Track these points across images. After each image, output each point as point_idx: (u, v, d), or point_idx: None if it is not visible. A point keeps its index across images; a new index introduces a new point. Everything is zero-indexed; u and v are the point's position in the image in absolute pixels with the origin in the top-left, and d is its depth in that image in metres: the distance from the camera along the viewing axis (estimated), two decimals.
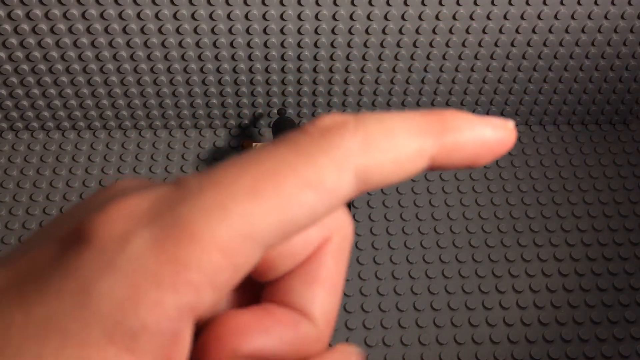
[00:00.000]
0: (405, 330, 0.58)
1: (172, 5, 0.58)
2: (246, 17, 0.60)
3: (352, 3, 0.59)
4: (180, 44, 0.62)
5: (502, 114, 0.72)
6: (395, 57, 0.65)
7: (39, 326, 0.10)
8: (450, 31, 0.62)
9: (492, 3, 0.60)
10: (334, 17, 0.60)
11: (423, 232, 0.64)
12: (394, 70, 0.66)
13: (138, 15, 0.59)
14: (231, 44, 0.62)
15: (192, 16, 0.59)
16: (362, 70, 0.66)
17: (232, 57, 0.64)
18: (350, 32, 0.62)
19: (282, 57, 0.64)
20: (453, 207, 0.66)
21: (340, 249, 0.14)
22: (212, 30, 0.61)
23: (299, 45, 0.63)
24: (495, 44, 0.64)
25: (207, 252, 0.10)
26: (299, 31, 0.61)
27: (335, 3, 0.59)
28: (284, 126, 0.63)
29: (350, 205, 0.65)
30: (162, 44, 0.62)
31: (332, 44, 0.63)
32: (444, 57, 0.65)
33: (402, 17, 0.61)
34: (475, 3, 0.60)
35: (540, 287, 0.61)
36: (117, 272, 0.10)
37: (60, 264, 0.10)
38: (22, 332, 0.10)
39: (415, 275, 0.61)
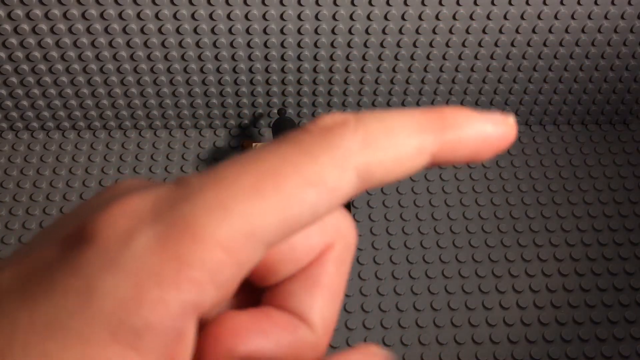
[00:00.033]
0: (405, 330, 0.58)
1: (172, 5, 0.58)
2: (246, 17, 0.60)
3: (352, 3, 0.59)
4: (180, 44, 0.62)
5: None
6: (395, 57, 0.65)
7: (43, 325, 0.10)
8: (450, 31, 0.62)
9: (492, 3, 0.60)
10: (334, 17, 0.60)
11: (423, 232, 0.64)
12: (394, 70, 0.66)
13: (138, 15, 0.59)
14: (231, 44, 0.62)
15: (192, 16, 0.59)
16: (362, 70, 0.66)
17: (232, 57, 0.64)
18: (350, 32, 0.62)
19: (282, 57, 0.64)
20: (453, 207, 0.66)
21: (343, 256, 0.14)
22: (212, 30, 0.61)
23: (299, 45, 0.63)
24: (495, 44, 0.64)
25: (209, 250, 0.10)
26: (299, 31, 0.61)
27: (335, 3, 0.59)
28: (284, 126, 0.63)
29: (350, 205, 0.65)
30: (162, 44, 0.62)
31: (332, 44, 0.63)
32: (444, 57, 0.65)
33: (402, 17, 0.61)
34: (475, 3, 0.60)
35: (540, 287, 0.61)
36: (120, 270, 0.10)
37: (63, 264, 0.10)
38: (27, 331, 0.10)
39: (415, 275, 0.61)
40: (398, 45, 0.63)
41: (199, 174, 0.11)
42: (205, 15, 0.59)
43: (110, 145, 0.70)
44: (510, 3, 0.60)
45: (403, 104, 0.71)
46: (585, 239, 0.64)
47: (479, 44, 0.64)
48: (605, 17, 0.62)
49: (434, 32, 0.62)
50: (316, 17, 0.60)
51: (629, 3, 0.61)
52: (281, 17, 0.60)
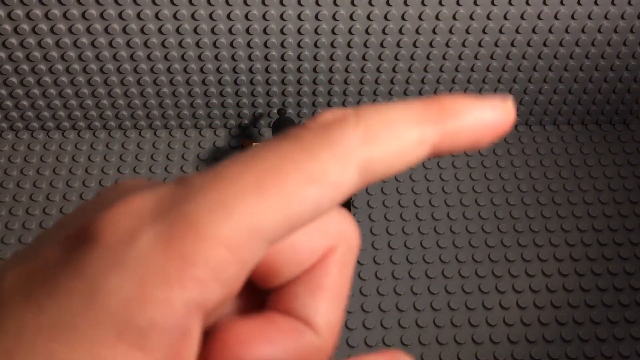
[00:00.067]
0: (405, 330, 0.58)
1: (172, 5, 0.58)
2: (246, 17, 0.60)
3: (352, 3, 0.59)
4: (180, 44, 0.62)
5: None
6: (395, 57, 0.65)
7: (49, 326, 0.10)
8: (450, 31, 0.62)
9: (492, 3, 0.60)
10: (334, 17, 0.60)
11: (423, 232, 0.64)
12: (394, 70, 0.66)
13: (138, 15, 0.59)
14: (231, 44, 0.62)
15: (192, 16, 0.59)
16: (362, 70, 0.66)
17: (232, 57, 0.64)
18: (350, 32, 0.62)
19: (282, 57, 0.64)
20: (453, 207, 0.66)
21: (345, 258, 0.14)
22: (212, 30, 0.61)
23: (299, 45, 0.63)
24: (495, 44, 0.64)
25: (212, 248, 0.10)
26: (299, 31, 0.61)
27: (335, 3, 0.59)
28: (284, 126, 0.63)
29: (350, 205, 0.65)
30: (162, 44, 0.62)
31: (332, 44, 0.63)
32: (444, 57, 0.65)
33: (402, 17, 0.61)
34: (475, 3, 0.60)
35: (540, 287, 0.61)
36: (124, 270, 0.10)
37: (67, 264, 0.10)
38: (33, 332, 0.10)
39: (415, 275, 0.61)
40: (398, 45, 0.63)
41: (200, 173, 0.11)
42: (205, 15, 0.59)
43: (110, 145, 0.70)
44: (510, 3, 0.60)
45: None
46: (585, 239, 0.64)
47: (479, 44, 0.64)
48: (605, 17, 0.62)
49: (434, 32, 0.62)
50: (316, 17, 0.60)
51: (629, 3, 0.61)
52: (281, 17, 0.60)
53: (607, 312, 0.59)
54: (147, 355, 0.10)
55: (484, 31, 0.63)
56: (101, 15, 0.59)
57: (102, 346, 0.10)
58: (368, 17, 0.60)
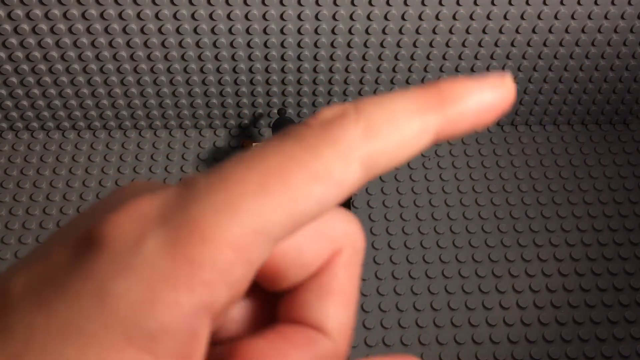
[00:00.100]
0: (405, 330, 0.58)
1: (172, 5, 0.58)
2: (246, 17, 0.60)
3: (352, 3, 0.59)
4: (180, 44, 0.62)
5: None
6: (395, 57, 0.65)
7: (60, 329, 0.10)
8: (450, 31, 0.62)
9: (492, 3, 0.60)
10: (334, 17, 0.60)
11: (423, 232, 0.64)
12: (394, 70, 0.66)
13: (138, 15, 0.59)
14: (231, 44, 0.62)
15: (192, 16, 0.59)
16: (362, 70, 0.66)
17: (232, 57, 0.64)
18: (350, 32, 0.62)
19: (282, 57, 0.64)
20: (453, 207, 0.66)
21: (352, 261, 0.14)
22: (212, 30, 0.61)
23: (299, 45, 0.63)
24: (495, 44, 0.64)
25: (219, 250, 0.10)
26: (299, 31, 0.61)
27: (335, 3, 0.59)
28: (284, 126, 0.63)
29: (350, 205, 0.65)
30: (162, 44, 0.62)
31: (332, 44, 0.63)
32: (444, 57, 0.65)
33: (402, 17, 0.61)
34: (475, 3, 0.60)
35: (540, 287, 0.61)
36: (132, 274, 0.10)
37: (76, 267, 0.10)
38: (44, 334, 0.10)
39: (415, 275, 0.61)
40: (398, 45, 0.63)
41: (204, 174, 0.11)
42: (205, 15, 0.59)
43: (110, 145, 0.70)
44: (510, 3, 0.60)
45: None
46: (585, 239, 0.64)
47: (479, 44, 0.64)
48: (605, 17, 0.62)
49: (434, 32, 0.62)
50: (316, 17, 0.60)
51: (629, 3, 0.61)
52: (281, 17, 0.60)
53: (607, 312, 0.59)
54: (156, 358, 0.10)
55: (484, 31, 0.63)
56: (101, 15, 0.59)
57: (112, 349, 0.10)
58: (368, 17, 0.60)
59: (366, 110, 0.12)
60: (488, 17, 0.61)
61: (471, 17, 0.61)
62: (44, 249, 0.12)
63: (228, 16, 0.59)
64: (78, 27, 0.60)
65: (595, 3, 0.61)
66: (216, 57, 0.63)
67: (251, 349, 0.12)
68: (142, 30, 0.60)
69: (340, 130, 0.12)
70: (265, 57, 0.64)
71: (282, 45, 0.63)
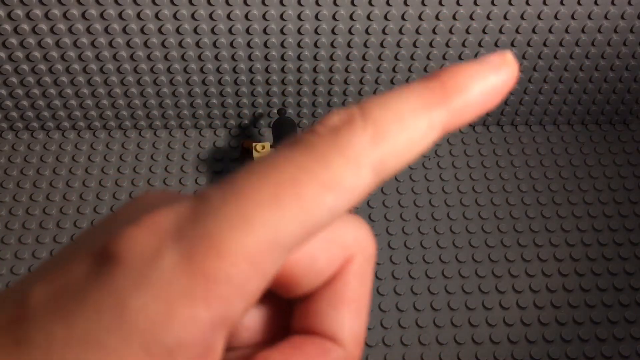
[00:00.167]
0: (405, 330, 0.58)
1: (172, 5, 0.58)
2: (246, 17, 0.60)
3: (352, 3, 0.59)
4: (180, 44, 0.62)
5: (501, 113, 0.72)
6: (395, 57, 0.65)
7: (79, 340, 0.10)
8: (450, 31, 0.62)
9: (492, 3, 0.60)
10: (334, 17, 0.60)
11: (423, 232, 0.64)
12: (394, 70, 0.66)
13: (138, 15, 0.59)
14: (231, 44, 0.62)
15: (192, 16, 0.59)
16: (362, 70, 0.66)
17: (232, 57, 0.64)
18: (350, 32, 0.62)
19: (282, 57, 0.64)
20: (453, 207, 0.66)
21: (364, 268, 0.14)
22: (212, 30, 0.61)
23: (299, 45, 0.63)
24: (495, 44, 0.64)
25: (235, 265, 0.10)
26: (299, 31, 0.61)
27: (335, 3, 0.59)
28: (284, 126, 0.63)
29: None
30: (162, 44, 0.62)
31: (332, 44, 0.63)
32: (444, 57, 0.65)
33: (402, 17, 0.61)
34: (475, 3, 0.60)
35: (540, 287, 0.61)
36: (150, 289, 0.10)
37: (95, 280, 0.11)
38: (63, 345, 0.10)
39: (415, 275, 0.61)
40: (398, 45, 0.63)
41: (218, 188, 0.11)
42: (205, 15, 0.59)
43: (110, 145, 0.70)
44: (510, 3, 0.60)
45: None
46: (585, 239, 0.64)
47: (479, 44, 0.64)
48: (605, 17, 0.62)
49: (434, 32, 0.62)
50: (316, 17, 0.60)
51: (629, 3, 0.61)
52: (281, 17, 0.60)
53: (607, 312, 0.59)
54: None
55: (484, 31, 0.63)
56: (101, 15, 0.59)
57: None
58: (368, 17, 0.60)
59: (373, 114, 0.12)
60: (488, 17, 0.61)
61: (471, 17, 0.61)
62: (61, 260, 0.12)
63: (228, 16, 0.59)
64: (78, 27, 0.60)
65: (595, 3, 0.61)
66: (216, 57, 0.63)
67: None
68: (142, 30, 0.60)
69: (348, 137, 0.12)
70: (265, 57, 0.64)
71: (282, 45, 0.63)
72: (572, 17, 0.62)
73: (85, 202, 0.65)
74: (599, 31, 0.64)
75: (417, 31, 0.62)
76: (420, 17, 0.61)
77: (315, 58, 0.64)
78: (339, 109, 0.12)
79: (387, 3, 0.59)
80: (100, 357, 0.10)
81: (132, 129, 0.71)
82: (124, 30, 0.60)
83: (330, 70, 0.66)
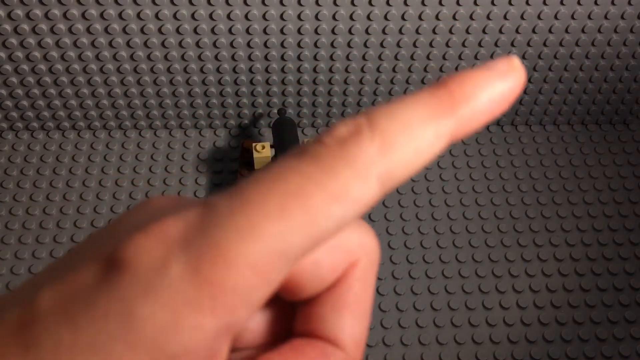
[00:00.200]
0: (405, 330, 0.58)
1: (172, 5, 0.58)
2: (246, 17, 0.60)
3: (352, 3, 0.59)
4: (180, 44, 0.62)
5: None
6: (395, 57, 0.65)
7: (86, 345, 0.10)
8: (450, 31, 0.62)
9: (492, 3, 0.60)
10: (334, 17, 0.60)
11: (423, 232, 0.64)
12: (394, 70, 0.66)
13: (138, 15, 0.59)
14: (231, 44, 0.62)
15: (192, 16, 0.59)
16: (362, 70, 0.66)
17: (232, 57, 0.64)
18: (350, 32, 0.62)
19: (282, 57, 0.64)
20: (453, 207, 0.66)
21: (367, 273, 0.14)
22: (212, 30, 0.61)
23: (299, 45, 0.63)
24: (495, 44, 0.64)
25: (241, 275, 0.11)
26: (299, 31, 0.61)
27: (335, 3, 0.59)
28: (284, 126, 0.63)
29: None
30: (162, 44, 0.62)
31: (332, 44, 0.63)
32: (444, 57, 0.65)
33: (402, 17, 0.61)
34: (475, 3, 0.60)
35: (540, 287, 0.61)
36: (157, 298, 0.10)
37: (103, 287, 0.11)
38: (71, 350, 0.10)
39: (415, 275, 0.61)
40: (398, 45, 0.63)
41: (226, 197, 0.11)
42: (205, 15, 0.59)
43: (110, 145, 0.70)
44: (510, 3, 0.60)
45: None
46: (585, 239, 0.64)
47: (479, 44, 0.64)
48: (605, 17, 0.62)
49: (434, 32, 0.62)
50: (316, 17, 0.60)
51: (629, 3, 0.61)
52: (281, 17, 0.60)
53: (607, 312, 0.59)
54: None
55: (484, 31, 0.63)
56: (101, 15, 0.59)
57: None
58: (368, 17, 0.60)
59: (380, 125, 0.12)
60: (488, 17, 0.61)
61: (471, 17, 0.61)
62: (69, 264, 0.12)
63: (228, 16, 0.59)
64: (78, 27, 0.60)
65: (595, 3, 0.61)
66: (216, 57, 0.64)
67: None
68: (142, 30, 0.60)
69: (356, 149, 0.12)
70: (265, 57, 0.64)
71: (282, 45, 0.63)
72: (572, 17, 0.62)
73: (85, 202, 0.65)
74: (599, 31, 0.64)
75: (417, 31, 0.62)
76: (420, 17, 0.61)
77: (315, 58, 0.64)
78: (346, 119, 0.12)
79: (387, 3, 0.59)
80: None
81: (132, 129, 0.71)
82: (124, 30, 0.60)
83: (330, 70, 0.66)
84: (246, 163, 0.66)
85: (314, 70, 0.66)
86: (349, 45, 0.63)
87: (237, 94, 0.68)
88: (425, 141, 0.12)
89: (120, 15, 0.59)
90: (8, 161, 0.68)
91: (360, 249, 0.14)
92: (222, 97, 0.68)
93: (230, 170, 0.69)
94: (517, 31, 0.63)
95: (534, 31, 0.63)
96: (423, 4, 0.60)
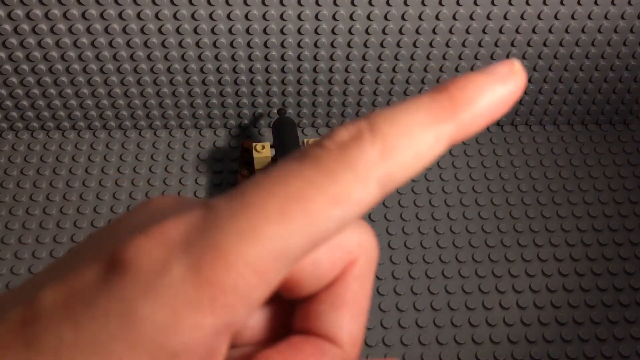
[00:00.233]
0: (405, 330, 0.58)
1: (172, 5, 0.58)
2: (246, 17, 0.60)
3: (352, 3, 0.59)
4: (180, 44, 0.62)
5: None
6: (395, 57, 0.65)
7: (87, 344, 0.10)
8: (450, 31, 0.62)
9: (492, 3, 0.60)
10: (334, 17, 0.60)
11: (423, 232, 0.64)
12: (394, 70, 0.66)
13: (138, 15, 0.59)
14: (231, 44, 0.62)
15: (192, 16, 0.59)
16: (362, 70, 0.66)
17: (232, 57, 0.64)
18: (350, 32, 0.62)
19: (282, 57, 0.64)
20: (453, 207, 0.66)
21: (365, 272, 0.15)
22: (212, 30, 0.61)
23: (299, 45, 0.63)
24: (495, 44, 0.64)
25: (241, 275, 0.11)
26: (299, 31, 0.61)
27: (335, 3, 0.59)
28: (284, 126, 0.63)
29: None
30: (162, 44, 0.62)
31: (332, 44, 0.63)
32: (444, 57, 0.65)
33: (402, 17, 0.61)
34: (475, 3, 0.60)
35: (540, 287, 0.61)
36: (158, 298, 0.11)
37: (105, 287, 0.11)
38: (72, 349, 0.10)
39: (415, 275, 0.61)
40: (398, 45, 0.63)
41: (227, 199, 0.12)
42: (205, 15, 0.59)
43: (110, 145, 0.70)
44: (510, 3, 0.60)
45: None
46: (585, 239, 0.64)
47: (479, 44, 0.64)
48: (605, 17, 0.62)
49: (434, 32, 0.62)
50: (316, 17, 0.60)
51: (629, 3, 0.61)
52: (281, 17, 0.60)
53: (607, 312, 0.59)
54: None
55: (484, 31, 0.63)
56: (101, 15, 0.59)
57: None
58: (368, 17, 0.60)
59: (381, 129, 0.12)
60: (488, 17, 0.61)
61: (471, 17, 0.61)
62: (71, 263, 0.12)
63: (228, 16, 0.59)
64: (78, 27, 0.60)
65: (595, 3, 0.61)
66: (216, 57, 0.64)
67: None
68: (142, 30, 0.60)
69: (357, 153, 0.12)
70: (265, 57, 0.64)
71: (282, 45, 0.63)
72: (572, 17, 0.62)
73: (85, 202, 0.65)
74: (599, 31, 0.64)
75: (417, 31, 0.62)
76: (420, 17, 0.61)
77: (315, 58, 0.64)
78: (347, 123, 0.12)
79: (387, 3, 0.59)
80: None
81: (132, 129, 0.71)
82: (124, 30, 0.60)
83: (330, 70, 0.66)
84: (246, 163, 0.66)
85: (314, 70, 0.66)
86: (349, 45, 0.63)
87: (237, 94, 0.68)
88: (426, 145, 0.12)
89: (120, 15, 0.59)
90: (8, 161, 0.68)
91: (359, 248, 0.14)
92: (222, 97, 0.68)
93: (230, 170, 0.69)
94: (517, 31, 0.63)
95: (534, 31, 0.63)
96: (423, 4, 0.60)
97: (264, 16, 0.60)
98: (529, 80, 0.68)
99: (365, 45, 0.63)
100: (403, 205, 0.66)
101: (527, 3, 0.60)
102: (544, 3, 0.61)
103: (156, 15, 0.59)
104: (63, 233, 0.63)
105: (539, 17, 0.62)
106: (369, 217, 0.65)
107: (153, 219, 0.12)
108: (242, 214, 0.11)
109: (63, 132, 0.70)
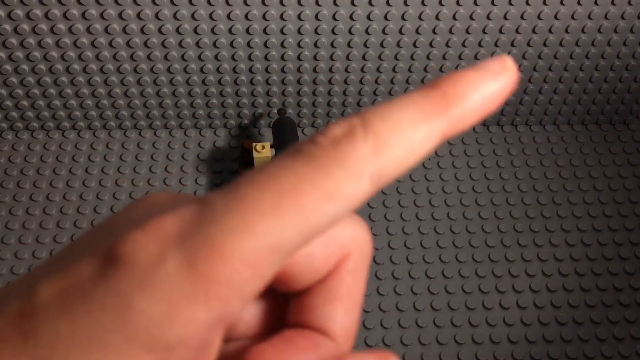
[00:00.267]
0: (405, 330, 0.58)
1: (172, 5, 0.58)
2: (246, 17, 0.60)
3: (352, 3, 0.59)
4: (180, 44, 0.62)
5: (501, 113, 0.72)
6: (395, 57, 0.65)
7: (83, 338, 0.11)
8: (450, 31, 0.62)
9: (492, 3, 0.60)
10: (334, 17, 0.60)
11: (423, 232, 0.64)
12: (394, 70, 0.66)
13: (138, 15, 0.59)
14: (231, 44, 0.62)
15: (192, 16, 0.59)
16: (362, 70, 0.66)
17: (232, 57, 0.64)
18: (350, 32, 0.62)
19: (282, 57, 0.64)
20: (453, 207, 0.66)
21: (359, 266, 0.15)
22: (212, 30, 0.61)
23: (299, 45, 0.63)
24: (495, 44, 0.64)
25: (235, 269, 0.11)
26: (299, 31, 0.61)
27: (335, 3, 0.59)
28: (284, 126, 0.63)
29: None
30: (162, 44, 0.62)
31: (332, 44, 0.63)
32: (444, 57, 0.65)
33: (402, 17, 0.61)
34: (475, 3, 0.60)
35: (540, 287, 0.61)
36: (153, 291, 0.11)
37: (101, 281, 0.11)
38: (68, 342, 0.11)
39: (415, 275, 0.61)
40: (398, 45, 0.63)
41: (221, 194, 0.12)
42: (205, 15, 0.59)
43: (110, 145, 0.70)
44: (510, 3, 0.60)
45: None
46: (585, 239, 0.64)
47: (479, 44, 0.64)
48: (605, 17, 0.62)
49: (434, 32, 0.62)
50: (316, 17, 0.60)
51: (629, 3, 0.61)
52: (281, 17, 0.60)
53: (607, 312, 0.59)
54: None
55: (484, 31, 0.63)
56: (101, 15, 0.59)
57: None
58: (368, 17, 0.60)
59: (374, 125, 0.12)
60: (488, 17, 0.61)
61: (471, 17, 0.61)
62: (68, 258, 0.12)
63: (228, 16, 0.59)
64: (78, 27, 0.60)
65: (595, 3, 0.61)
66: (216, 57, 0.64)
67: (258, 354, 0.13)
68: (142, 30, 0.60)
69: (350, 149, 0.12)
70: (265, 57, 0.64)
71: (282, 45, 0.63)
72: (572, 17, 0.62)
73: (85, 202, 0.65)
74: (599, 31, 0.64)
75: (417, 31, 0.62)
76: (420, 17, 0.61)
77: (315, 58, 0.64)
78: (340, 120, 0.13)
79: (387, 3, 0.59)
80: (103, 355, 0.11)
81: (132, 129, 0.71)
82: (124, 30, 0.60)
83: (330, 70, 0.66)
84: (246, 163, 0.66)
85: (314, 70, 0.66)
86: (349, 45, 0.63)
87: (237, 94, 0.68)
88: (418, 141, 0.12)
89: (120, 15, 0.59)
90: (8, 161, 0.68)
91: (353, 242, 0.15)
92: (222, 97, 0.68)
93: (230, 170, 0.69)
94: (517, 31, 0.63)
95: (534, 31, 0.63)
96: (423, 4, 0.60)
97: (264, 16, 0.60)
98: (529, 80, 0.69)
99: (365, 45, 0.63)
100: (403, 205, 0.66)
101: (527, 3, 0.60)
102: (544, 3, 0.61)
103: (156, 15, 0.59)
104: (63, 233, 0.63)
105: (539, 17, 0.62)
106: (369, 217, 0.65)
107: (150, 214, 0.12)
108: (236, 209, 0.11)
109: (63, 132, 0.70)
